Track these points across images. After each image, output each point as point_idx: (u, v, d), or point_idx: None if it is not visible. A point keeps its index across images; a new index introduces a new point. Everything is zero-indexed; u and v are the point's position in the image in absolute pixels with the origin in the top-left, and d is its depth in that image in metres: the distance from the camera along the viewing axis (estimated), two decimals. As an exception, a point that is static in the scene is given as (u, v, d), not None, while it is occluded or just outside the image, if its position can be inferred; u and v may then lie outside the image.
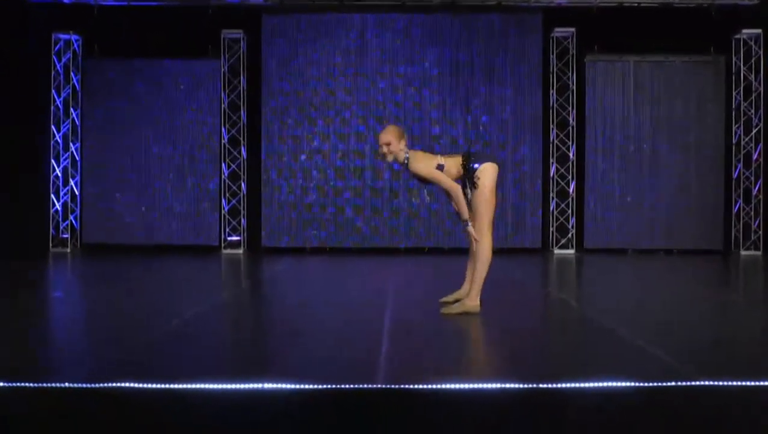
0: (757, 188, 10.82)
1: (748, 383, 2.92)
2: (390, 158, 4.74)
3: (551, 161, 10.94)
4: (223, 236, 10.94)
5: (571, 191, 10.92)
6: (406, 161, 4.73)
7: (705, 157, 11.03)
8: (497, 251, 10.50)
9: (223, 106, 10.90)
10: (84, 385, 2.86)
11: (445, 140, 10.84)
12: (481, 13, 10.92)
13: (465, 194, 4.72)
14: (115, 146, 11.03)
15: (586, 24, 10.69)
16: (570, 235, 10.91)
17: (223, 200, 10.94)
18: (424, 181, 4.81)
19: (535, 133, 10.98)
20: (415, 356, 3.61)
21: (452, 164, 4.74)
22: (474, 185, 4.69)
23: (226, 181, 10.93)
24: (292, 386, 2.82)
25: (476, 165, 4.71)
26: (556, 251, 10.85)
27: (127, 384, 2.82)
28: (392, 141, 4.70)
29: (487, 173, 4.69)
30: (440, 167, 4.72)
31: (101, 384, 2.85)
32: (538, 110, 10.97)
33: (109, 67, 10.98)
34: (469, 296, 4.79)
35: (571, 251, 10.83)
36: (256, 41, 10.96)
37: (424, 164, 4.70)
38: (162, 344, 3.85)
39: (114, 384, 2.84)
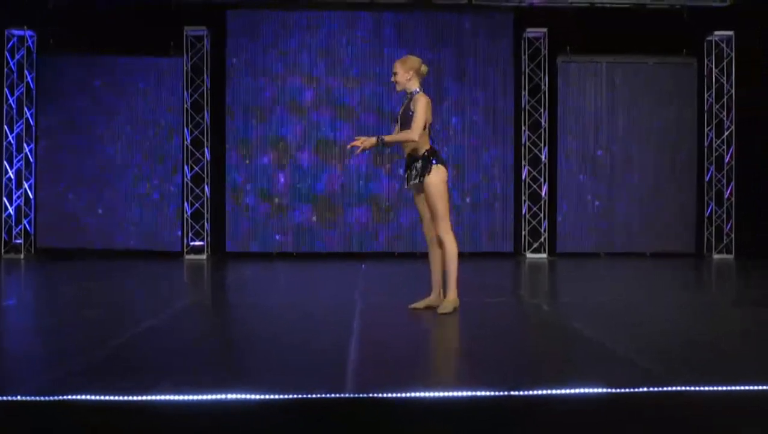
0: (729, 191, 11.04)
1: (723, 388, 2.98)
2: (399, 88, 5.09)
3: (523, 163, 11.04)
4: (185, 241, 10.83)
5: (543, 194, 11.03)
6: (411, 96, 5.08)
7: (677, 159, 11.24)
8: (469, 256, 10.58)
9: (185, 106, 10.81)
10: (40, 398, 2.81)
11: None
12: (451, 12, 10.99)
13: (408, 178, 5.09)
14: (71, 147, 10.86)
15: (558, 25, 10.82)
16: (542, 239, 11.02)
17: (185, 204, 10.84)
18: (403, 120, 5.05)
19: (506, 135, 11.08)
20: (385, 363, 3.61)
21: (424, 141, 5.04)
22: (424, 175, 4.97)
23: (189, 184, 10.83)
24: (257, 396, 2.81)
25: (434, 162, 5.02)
26: (529, 255, 10.95)
27: (85, 397, 2.78)
28: (398, 71, 5.10)
29: (439, 172, 5.01)
30: (411, 123, 5.00)
31: (59, 397, 2.80)
32: (509, 111, 11.06)
33: (66, 64, 10.81)
34: (449, 293, 5.03)
35: (544, 256, 10.94)
36: (221, 39, 10.88)
37: (425, 109, 4.98)
38: (122, 354, 3.81)
39: (72, 397, 2.79)
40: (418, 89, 5.07)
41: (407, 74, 5.07)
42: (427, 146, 5.05)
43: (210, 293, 7.22)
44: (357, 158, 10.73)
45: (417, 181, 5.04)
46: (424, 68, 5.15)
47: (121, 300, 6.27)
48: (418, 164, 5.02)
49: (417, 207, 5.24)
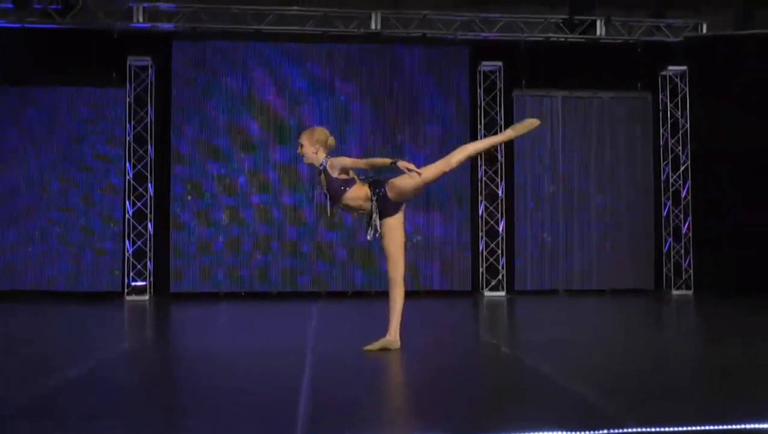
0: (686, 226, 11.30)
1: (683, 428, 2.99)
2: (306, 161, 5.11)
3: (480, 199, 11.14)
4: (126, 281, 10.58)
5: (500, 230, 11.12)
6: (322, 167, 5.04)
7: (634, 194, 11.48)
8: (426, 294, 10.55)
9: (128, 138, 10.64)
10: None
11: (368, 176, 10.89)
12: (405, 45, 11.12)
13: (374, 225, 5.04)
14: (3, 181, 10.56)
15: (514, 58, 11.03)
16: (500, 276, 11.07)
17: (127, 242, 10.61)
18: (333, 194, 5.03)
19: (463, 170, 11.16)
20: (337, 409, 3.54)
21: (358, 194, 5.04)
22: (385, 193, 5.01)
23: (131, 220, 10.62)
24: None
25: (383, 186, 5.06)
26: (487, 293, 10.98)
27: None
28: (304, 144, 5.08)
29: (395, 224, 5.07)
30: (350, 182, 5.01)
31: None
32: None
33: (-1, 94, 10.57)
34: (390, 333, 5.10)
35: (502, 293, 10.98)
36: (166, 69, 10.80)
37: (341, 160, 4.99)
38: (51, 402, 3.66)
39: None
40: (325, 159, 5.03)
41: (314, 147, 5.03)
42: (366, 186, 5.06)
43: (151, 337, 7.03)
44: (308, 195, 10.72)
45: (379, 212, 5.01)
46: (331, 140, 5.09)
47: (51, 345, 6.05)
48: (373, 203, 5.02)
49: (383, 245, 5.19)
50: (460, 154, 5.15)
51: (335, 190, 5.04)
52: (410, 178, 4.97)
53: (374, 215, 5.03)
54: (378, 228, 5.04)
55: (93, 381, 4.28)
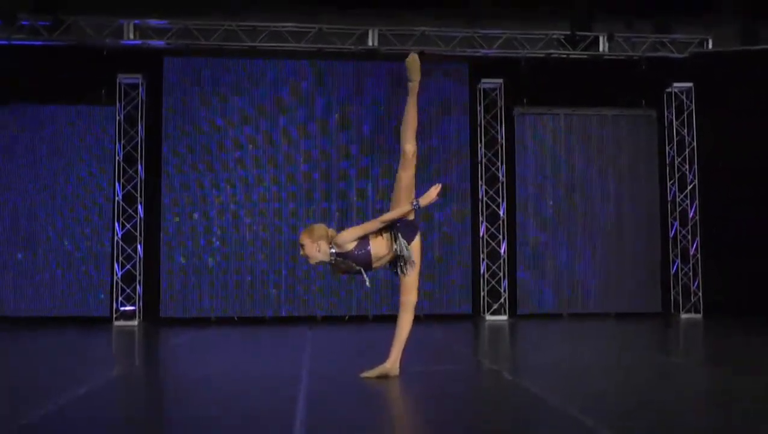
0: (694, 247, 11.22)
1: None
2: (312, 261, 4.90)
3: (481, 219, 11.07)
4: (115, 306, 10.47)
5: (502, 252, 11.04)
6: (333, 257, 4.86)
7: (640, 214, 11.42)
8: (425, 318, 10.47)
9: (117, 158, 10.59)
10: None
11: (365, 196, 10.84)
12: (403, 62, 11.07)
13: (400, 270, 4.98)
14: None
15: (515, 75, 11.02)
16: (503, 299, 10.98)
17: (115, 265, 10.52)
18: (363, 263, 4.90)
19: (462, 189, 11.12)
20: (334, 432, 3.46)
21: (381, 243, 4.93)
22: (409, 257, 4.94)
23: (120, 243, 10.54)
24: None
25: (397, 222, 4.95)
26: (488, 317, 10.88)
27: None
28: (305, 243, 4.87)
29: (417, 246, 5.03)
30: (366, 241, 4.87)
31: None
32: (465, 165, 11.13)
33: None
34: (390, 359, 5.02)
35: (504, 317, 10.88)
36: (157, 87, 10.77)
37: (349, 233, 4.85)
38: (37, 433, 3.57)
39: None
40: (332, 248, 4.86)
41: (315, 244, 4.85)
42: (378, 233, 4.95)
43: (140, 364, 6.93)
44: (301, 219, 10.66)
45: (405, 241, 4.96)
46: (331, 232, 4.95)
47: (39, 372, 5.95)
48: (392, 238, 4.95)
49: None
50: (406, 139, 5.21)
51: (362, 259, 4.90)
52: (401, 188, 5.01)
53: (398, 246, 4.92)
54: (408, 255, 4.93)
55: (82, 409, 4.19)
